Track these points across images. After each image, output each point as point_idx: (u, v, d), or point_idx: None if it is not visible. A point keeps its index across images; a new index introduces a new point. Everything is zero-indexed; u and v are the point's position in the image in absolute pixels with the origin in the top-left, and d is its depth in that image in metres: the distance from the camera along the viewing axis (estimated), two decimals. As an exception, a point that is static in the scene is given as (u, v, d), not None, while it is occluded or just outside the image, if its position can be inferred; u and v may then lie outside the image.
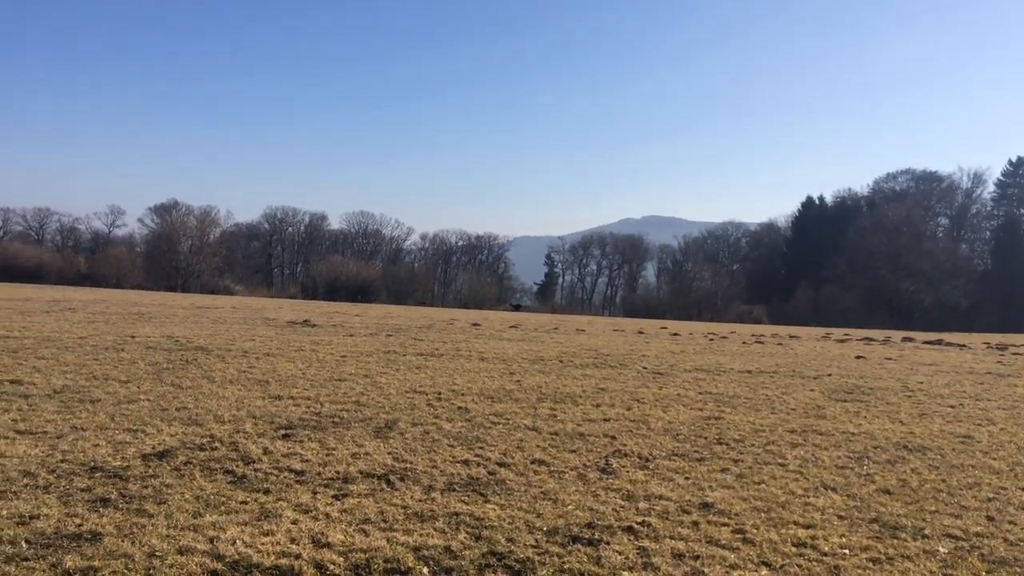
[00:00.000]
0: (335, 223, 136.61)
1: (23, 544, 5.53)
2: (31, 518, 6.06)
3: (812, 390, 16.90)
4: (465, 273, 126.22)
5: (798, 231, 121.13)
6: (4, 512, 6.15)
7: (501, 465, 8.68)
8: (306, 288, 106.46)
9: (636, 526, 6.70)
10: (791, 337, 41.90)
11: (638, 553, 6.07)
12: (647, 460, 9.32)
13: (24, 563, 5.21)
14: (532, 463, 8.87)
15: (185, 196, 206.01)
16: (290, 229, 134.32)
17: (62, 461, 7.84)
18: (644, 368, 20.10)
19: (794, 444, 10.73)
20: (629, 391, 15.33)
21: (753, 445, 10.50)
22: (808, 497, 7.97)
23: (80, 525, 5.96)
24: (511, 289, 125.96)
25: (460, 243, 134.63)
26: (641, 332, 39.99)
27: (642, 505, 7.37)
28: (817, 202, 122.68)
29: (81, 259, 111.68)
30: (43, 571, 5.11)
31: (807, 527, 6.95)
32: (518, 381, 16.09)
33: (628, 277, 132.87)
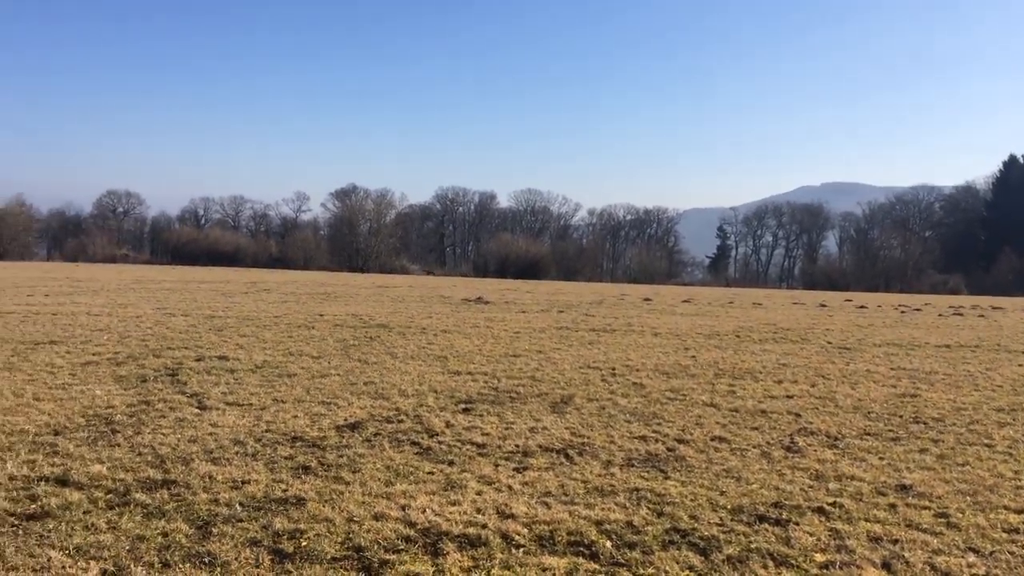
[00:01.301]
0: (504, 201, 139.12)
1: (237, 507, 6.01)
2: (243, 483, 6.59)
3: (1021, 365, 15.51)
4: (634, 248, 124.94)
5: (1000, 193, 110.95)
6: (220, 477, 6.72)
7: (680, 441, 8.55)
8: (477, 266, 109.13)
9: (827, 507, 6.40)
10: (994, 308, 38.63)
11: (831, 535, 5.80)
12: (836, 439, 8.88)
13: (239, 524, 5.67)
14: (712, 440, 8.68)
15: (363, 180, 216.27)
16: (461, 209, 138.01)
17: (267, 431, 8.45)
18: (828, 343, 19.16)
19: (1002, 423, 9.89)
20: (813, 367, 14.66)
21: (955, 424, 9.77)
22: (1019, 480, 7.33)
23: (286, 490, 6.42)
24: (681, 263, 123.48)
25: (628, 217, 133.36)
26: (823, 305, 38.12)
27: (832, 486, 7.04)
28: (1022, 160, 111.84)
29: (272, 243, 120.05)
30: (256, 532, 5.54)
31: (1019, 512, 6.40)
32: (693, 356, 15.77)
33: (807, 248, 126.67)
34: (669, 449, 8.24)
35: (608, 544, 5.55)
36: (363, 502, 6.20)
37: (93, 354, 13.63)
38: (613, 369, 13.63)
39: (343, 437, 8.29)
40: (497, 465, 7.45)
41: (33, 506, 5.91)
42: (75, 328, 17.48)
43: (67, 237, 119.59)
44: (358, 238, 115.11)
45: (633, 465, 7.61)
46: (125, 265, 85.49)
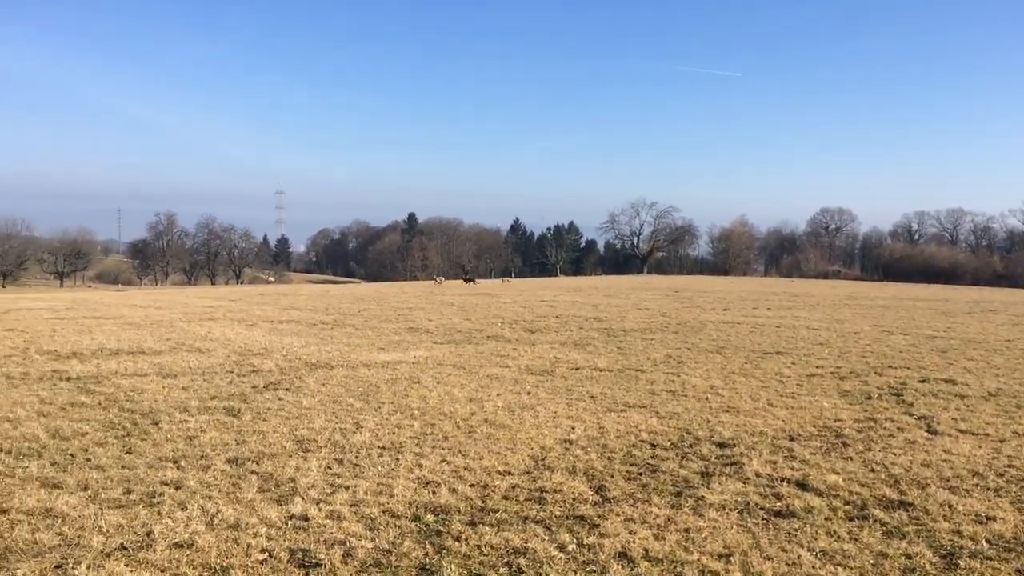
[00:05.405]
0: None
1: (984, 543, 5.61)
2: (987, 519, 6.12)
3: None
4: None
5: None
6: (960, 508, 6.37)
7: None
8: None
9: None
10: None
11: None
12: None
13: (987, 562, 5.29)
14: None
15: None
16: None
17: (1008, 466, 7.70)
18: None
19: None
20: None
21: None
22: None
23: None
24: None
25: None
26: None
27: None
28: None
29: (996, 258, 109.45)
30: (1007, 573, 5.08)
31: None
32: None
33: None
34: None
35: None
36: None
37: (816, 367, 14.30)
38: None
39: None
40: None
41: (778, 504, 6.47)
42: (796, 341, 18.61)
43: (783, 253, 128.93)
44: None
45: None
46: (837, 281, 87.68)
